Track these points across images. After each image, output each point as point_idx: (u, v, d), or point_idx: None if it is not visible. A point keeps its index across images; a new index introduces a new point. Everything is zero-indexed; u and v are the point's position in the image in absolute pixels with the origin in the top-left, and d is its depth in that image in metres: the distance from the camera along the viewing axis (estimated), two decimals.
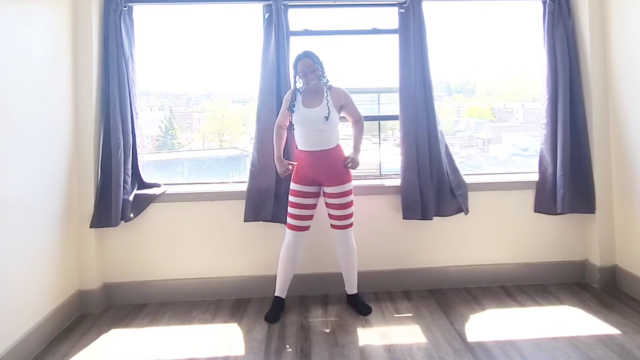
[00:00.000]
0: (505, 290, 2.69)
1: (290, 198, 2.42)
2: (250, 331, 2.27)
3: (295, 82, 2.47)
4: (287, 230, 2.42)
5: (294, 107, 2.40)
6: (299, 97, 2.43)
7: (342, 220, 2.39)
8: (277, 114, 2.55)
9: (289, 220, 2.41)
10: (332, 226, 2.44)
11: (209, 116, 3.47)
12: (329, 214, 2.43)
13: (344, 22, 2.95)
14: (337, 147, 2.41)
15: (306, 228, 2.42)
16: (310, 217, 2.42)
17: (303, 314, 2.44)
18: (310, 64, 2.36)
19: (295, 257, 2.41)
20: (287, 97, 2.48)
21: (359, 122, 2.48)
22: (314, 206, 2.43)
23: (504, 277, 2.76)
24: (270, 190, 2.59)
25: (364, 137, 2.50)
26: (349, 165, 2.38)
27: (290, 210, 2.41)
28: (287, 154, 2.60)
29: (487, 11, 3.08)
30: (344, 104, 2.44)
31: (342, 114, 2.48)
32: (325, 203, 2.43)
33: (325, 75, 2.43)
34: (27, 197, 2.10)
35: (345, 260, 2.45)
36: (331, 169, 2.36)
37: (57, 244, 2.33)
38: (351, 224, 2.42)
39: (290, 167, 2.42)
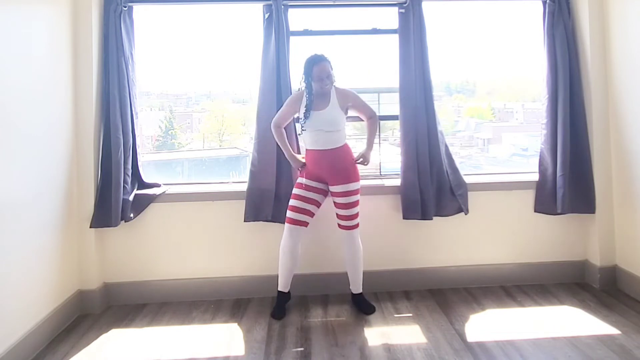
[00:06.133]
0: (505, 290, 2.69)
1: (294, 190, 2.42)
2: (250, 331, 2.27)
3: (307, 85, 2.36)
4: (285, 225, 2.40)
5: (307, 114, 2.34)
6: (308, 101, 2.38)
7: (347, 221, 2.39)
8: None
9: (288, 213, 2.40)
10: (339, 226, 2.44)
11: (209, 116, 3.47)
12: (336, 214, 2.43)
13: (344, 22, 2.95)
14: (345, 146, 2.41)
15: (304, 223, 2.39)
16: (310, 214, 2.40)
17: (303, 314, 2.44)
18: (328, 70, 2.34)
19: (295, 252, 2.39)
20: (294, 99, 2.44)
21: (372, 118, 2.46)
22: (316, 203, 2.42)
23: (504, 277, 2.76)
24: (270, 191, 2.59)
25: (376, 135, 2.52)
26: (360, 161, 2.41)
27: (291, 202, 2.41)
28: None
29: (487, 11, 3.08)
30: (352, 104, 2.43)
31: (353, 113, 2.48)
32: (333, 202, 2.43)
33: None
34: (27, 197, 2.10)
35: (351, 261, 2.44)
36: (336, 167, 2.36)
37: (57, 244, 2.33)
38: (356, 225, 2.41)
39: (304, 160, 2.43)
